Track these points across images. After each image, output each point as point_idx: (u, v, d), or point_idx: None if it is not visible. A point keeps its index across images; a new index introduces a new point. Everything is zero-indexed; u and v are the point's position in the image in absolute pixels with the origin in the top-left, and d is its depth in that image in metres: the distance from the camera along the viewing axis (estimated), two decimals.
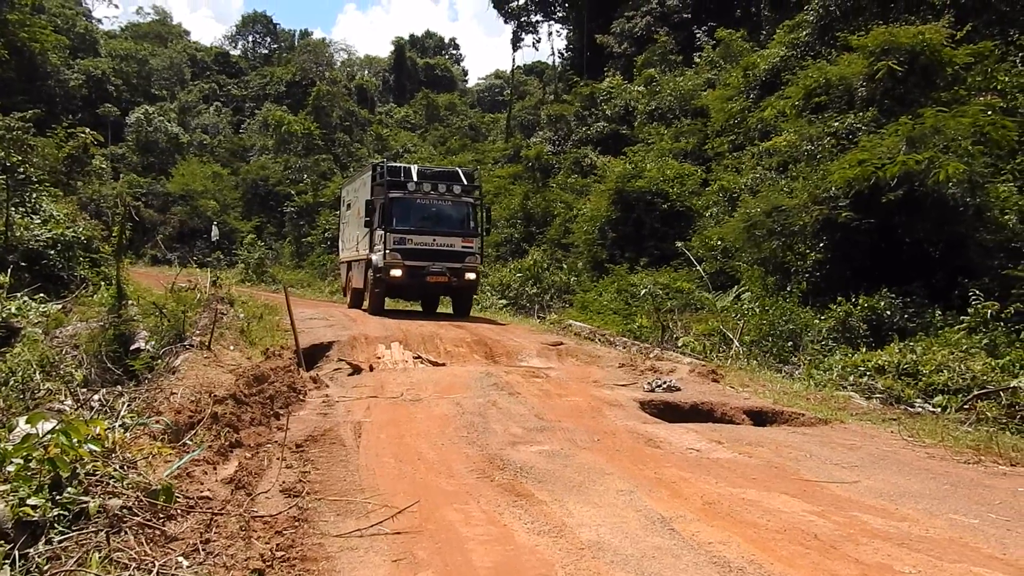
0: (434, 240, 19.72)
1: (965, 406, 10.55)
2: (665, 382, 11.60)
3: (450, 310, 21.84)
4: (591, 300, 23.11)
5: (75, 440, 5.06)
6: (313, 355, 14.42)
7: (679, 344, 16.47)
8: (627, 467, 7.24)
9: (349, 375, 12.94)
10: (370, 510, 5.84)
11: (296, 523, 5.47)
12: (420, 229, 19.72)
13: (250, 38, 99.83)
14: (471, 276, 20.21)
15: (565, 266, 28.42)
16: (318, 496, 6.13)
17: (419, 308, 23.21)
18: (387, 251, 19.16)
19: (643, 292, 21.12)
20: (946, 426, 9.47)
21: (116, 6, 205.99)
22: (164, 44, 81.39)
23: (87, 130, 33.31)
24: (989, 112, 17.31)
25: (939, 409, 10.76)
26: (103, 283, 17.22)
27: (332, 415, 9.34)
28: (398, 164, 22.50)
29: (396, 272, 19.21)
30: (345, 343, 15.44)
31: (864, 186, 16.55)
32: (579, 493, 6.36)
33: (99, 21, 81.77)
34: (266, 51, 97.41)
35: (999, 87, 19.35)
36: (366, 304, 20.82)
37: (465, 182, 20.86)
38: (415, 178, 20.21)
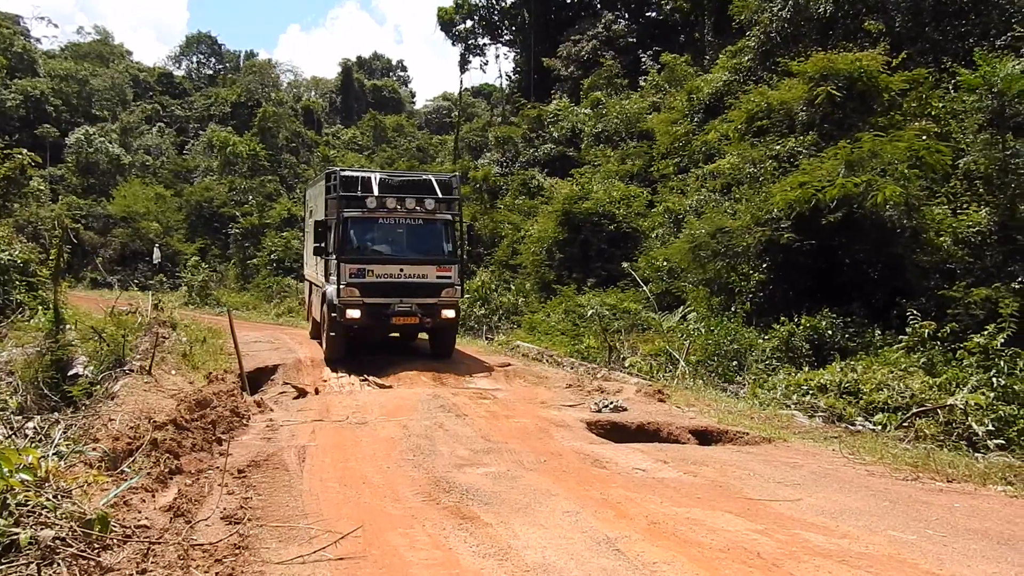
0: (401, 270, 15.99)
1: (904, 424, 10.76)
2: (612, 402, 11.65)
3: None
4: (539, 321, 23.14)
5: (6, 470, 4.91)
6: (258, 379, 14.25)
7: (626, 364, 16.56)
8: (573, 488, 7.24)
9: (294, 399, 12.79)
10: (313, 536, 5.76)
11: (237, 551, 5.37)
12: (383, 257, 16.17)
13: (194, 59, 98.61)
14: (449, 313, 16.36)
15: (513, 287, 28.43)
16: (260, 523, 6.03)
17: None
18: (341, 286, 15.50)
19: (590, 313, 21.20)
20: (886, 444, 9.65)
21: (56, 25, 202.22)
22: (105, 64, 79.91)
23: (24, 151, 32.39)
24: (924, 137, 17.76)
25: (879, 427, 10.95)
26: (40, 307, 16.77)
27: (276, 439, 9.21)
28: (356, 173, 17.24)
29: (353, 313, 15.51)
30: (290, 366, 15.30)
31: (805, 208, 16.86)
32: (525, 515, 6.35)
33: (38, 41, 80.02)
34: (211, 72, 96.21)
35: (933, 113, 19.88)
36: (324, 348, 16.82)
37: (440, 193, 16.61)
38: (376, 191, 16.10)
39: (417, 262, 16.14)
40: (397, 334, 17.62)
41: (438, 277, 16.21)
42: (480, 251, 34.86)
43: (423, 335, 17.96)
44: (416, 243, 16.46)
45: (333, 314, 15.69)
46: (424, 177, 17.76)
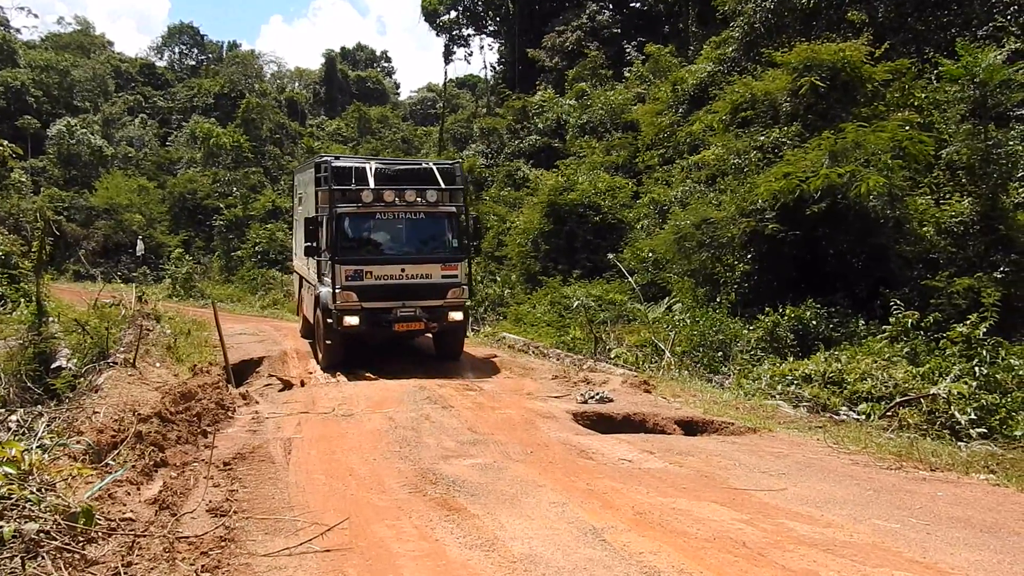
0: (403, 271, 14.54)
1: (888, 413, 10.83)
2: (598, 394, 11.66)
3: None
4: (525, 312, 23.14)
5: None
6: (243, 371, 14.20)
7: (612, 355, 16.58)
8: (560, 479, 7.26)
9: (280, 391, 12.76)
10: (299, 528, 5.75)
11: (222, 543, 5.35)
12: (382, 257, 14.74)
13: (176, 49, 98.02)
14: (457, 316, 14.96)
15: (499, 279, 28.42)
16: (246, 515, 6.01)
17: None
18: (337, 289, 14.05)
19: (576, 304, 21.21)
20: (870, 433, 9.70)
21: (35, 16, 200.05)
22: (86, 55, 79.28)
23: (5, 143, 31.96)
24: (907, 127, 17.82)
25: (863, 417, 11.01)
26: (23, 300, 16.65)
27: (261, 432, 9.18)
28: (350, 163, 15.38)
29: (351, 320, 14.07)
30: (276, 358, 15.26)
31: (789, 199, 16.91)
32: (512, 506, 6.35)
33: (17, 31, 79.17)
34: (193, 63, 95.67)
35: (916, 103, 19.96)
36: (320, 357, 15.32)
37: (443, 183, 15.19)
38: (372, 182, 14.57)
39: (420, 261, 14.81)
40: None
41: (443, 276, 14.86)
42: (466, 243, 34.79)
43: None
44: (418, 240, 15.11)
45: (329, 320, 14.35)
46: (424, 165, 16.28)
